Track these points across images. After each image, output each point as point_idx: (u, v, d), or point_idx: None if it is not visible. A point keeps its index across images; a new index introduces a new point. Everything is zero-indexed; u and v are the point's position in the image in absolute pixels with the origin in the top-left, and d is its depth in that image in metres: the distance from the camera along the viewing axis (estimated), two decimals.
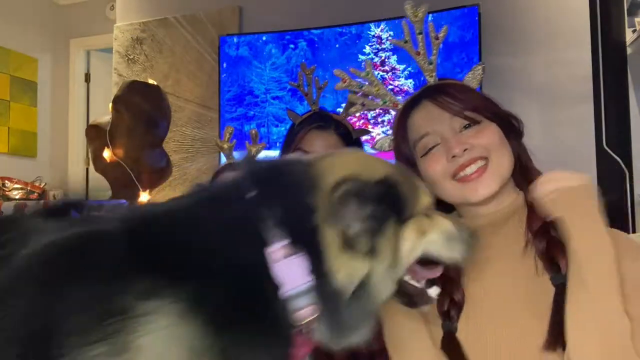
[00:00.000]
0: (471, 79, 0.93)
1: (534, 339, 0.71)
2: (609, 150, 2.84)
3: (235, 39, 3.80)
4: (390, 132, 0.97)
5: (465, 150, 0.81)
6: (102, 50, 4.91)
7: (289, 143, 1.30)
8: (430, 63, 0.92)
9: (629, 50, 2.82)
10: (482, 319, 0.76)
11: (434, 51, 0.93)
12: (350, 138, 1.31)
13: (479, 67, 0.93)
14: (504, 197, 0.85)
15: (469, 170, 0.81)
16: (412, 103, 0.89)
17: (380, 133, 3.29)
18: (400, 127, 0.90)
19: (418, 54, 0.91)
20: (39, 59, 4.74)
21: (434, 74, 0.92)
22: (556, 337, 0.69)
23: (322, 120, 1.31)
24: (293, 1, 3.78)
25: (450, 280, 0.78)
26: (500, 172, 0.82)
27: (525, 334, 0.72)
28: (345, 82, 1.01)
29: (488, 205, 0.85)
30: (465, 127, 0.84)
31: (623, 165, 2.81)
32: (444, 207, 0.85)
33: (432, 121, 0.85)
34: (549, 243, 0.76)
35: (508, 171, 0.83)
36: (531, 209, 0.80)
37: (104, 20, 4.64)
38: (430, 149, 0.85)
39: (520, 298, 0.75)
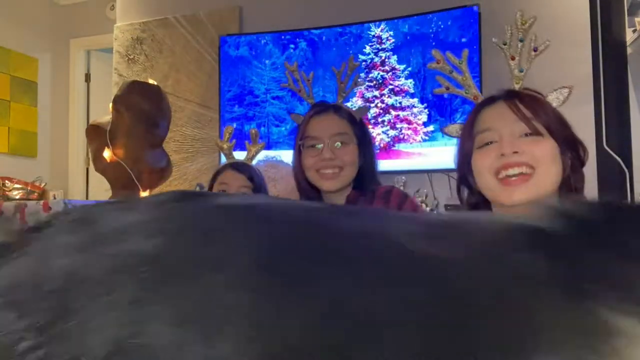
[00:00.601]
0: (553, 98, 0.96)
1: None
2: (609, 150, 2.84)
3: (235, 39, 3.80)
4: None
5: (515, 152, 0.85)
6: (102, 50, 4.91)
7: (298, 136, 1.36)
8: (521, 71, 0.96)
9: (629, 50, 2.83)
10: None
11: (528, 62, 0.97)
12: (354, 120, 1.33)
13: (566, 89, 0.96)
14: None
15: (511, 171, 0.84)
16: (490, 100, 0.93)
17: (380, 133, 3.29)
18: (471, 120, 0.93)
19: (513, 58, 0.95)
20: (39, 59, 4.74)
21: (522, 82, 0.96)
22: None
23: (319, 106, 1.36)
24: (293, 1, 3.78)
25: None
26: (541, 188, 0.84)
27: None
28: (439, 63, 1.09)
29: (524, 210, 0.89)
30: (526, 135, 0.87)
31: (623, 165, 2.81)
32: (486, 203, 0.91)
33: (498, 119, 0.88)
34: None
35: (549, 190, 0.85)
36: None
37: (104, 20, 4.65)
38: (487, 144, 0.89)
39: None
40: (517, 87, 0.95)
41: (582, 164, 0.91)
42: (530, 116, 0.87)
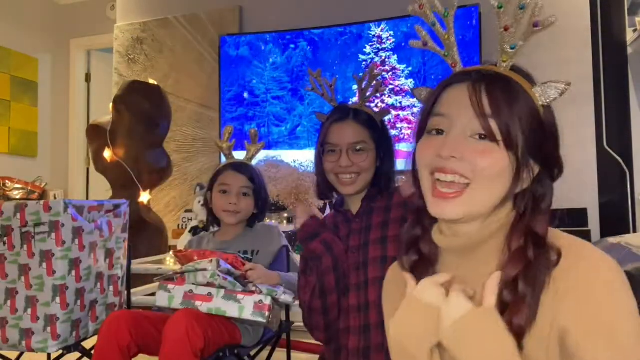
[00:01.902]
0: (542, 92, 0.74)
1: None
2: (610, 150, 2.84)
3: (235, 39, 3.80)
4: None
5: (452, 157, 0.71)
6: (102, 50, 4.92)
7: (319, 141, 1.39)
8: (513, 47, 0.74)
9: (629, 50, 2.83)
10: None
11: (525, 38, 0.75)
12: (374, 122, 1.37)
13: (563, 84, 0.74)
14: (483, 222, 0.75)
15: (443, 177, 0.72)
16: (459, 77, 0.75)
17: None
18: (435, 94, 0.78)
19: (506, 28, 0.74)
20: (40, 59, 4.75)
21: (510, 61, 0.75)
22: None
23: (340, 112, 1.38)
24: (293, 1, 3.78)
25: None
26: (475, 204, 0.71)
27: None
28: (421, 7, 0.92)
29: (462, 225, 0.76)
30: (479, 137, 0.71)
31: (624, 165, 2.81)
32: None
33: (455, 106, 0.73)
34: (512, 301, 0.68)
35: (484, 209, 0.72)
36: (511, 257, 0.71)
37: (104, 20, 4.65)
38: (437, 132, 0.74)
39: None
40: (503, 65, 0.75)
41: (552, 179, 0.76)
42: (489, 113, 0.70)
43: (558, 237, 0.72)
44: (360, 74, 1.47)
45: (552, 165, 0.75)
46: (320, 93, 1.51)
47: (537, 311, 0.67)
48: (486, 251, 0.74)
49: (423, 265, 0.79)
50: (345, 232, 1.35)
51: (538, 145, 0.72)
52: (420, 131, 0.79)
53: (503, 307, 0.68)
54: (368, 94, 1.44)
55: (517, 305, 0.67)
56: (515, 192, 0.73)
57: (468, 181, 0.71)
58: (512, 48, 0.75)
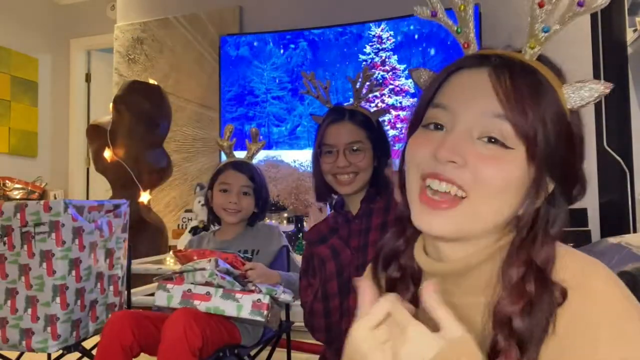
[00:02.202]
0: (570, 95, 0.58)
1: None
2: (610, 150, 2.84)
3: (235, 39, 3.81)
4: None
5: (451, 162, 0.56)
6: (102, 50, 4.91)
7: (316, 143, 1.40)
8: (545, 30, 0.58)
9: (629, 50, 2.83)
10: None
11: (563, 22, 0.59)
12: (370, 122, 1.38)
13: (600, 87, 0.58)
14: (474, 245, 0.60)
15: (437, 185, 0.57)
16: (472, 61, 0.60)
17: None
18: (438, 79, 0.62)
19: (541, 5, 0.57)
20: (40, 58, 4.75)
21: (538, 47, 0.59)
22: None
23: (336, 113, 1.40)
24: (293, 1, 3.78)
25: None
26: (469, 224, 0.57)
27: None
28: None
29: (451, 246, 0.61)
30: (489, 140, 0.56)
31: (624, 165, 2.81)
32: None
33: (463, 98, 0.58)
34: (505, 348, 0.54)
35: (480, 229, 0.58)
36: (510, 291, 0.56)
37: (104, 20, 4.65)
38: (435, 126, 0.59)
39: None
40: (530, 52, 0.59)
41: (569, 200, 0.61)
42: (511, 111, 0.55)
43: (563, 263, 0.57)
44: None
45: (572, 183, 0.60)
46: (315, 95, 1.52)
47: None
48: (476, 278, 0.60)
49: (404, 284, 0.65)
50: (345, 233, 1.35)
51: (560, 157, 0.57)
52: (415, 123, 0.63)
53: (493, 355, 0.55)
54: (362, 94, 1.45)
55: (511, 354, 0.54)
56: (530, 209, 0.58)
57: (465, 194, 0.56)
58: (544, 31, 0.59)
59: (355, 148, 1.33)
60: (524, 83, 0.56)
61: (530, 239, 0.58)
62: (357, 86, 1.47)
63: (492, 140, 0.56)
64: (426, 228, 0.59)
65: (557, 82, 0.59)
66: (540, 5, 0.59)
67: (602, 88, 0.59)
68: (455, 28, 0.66)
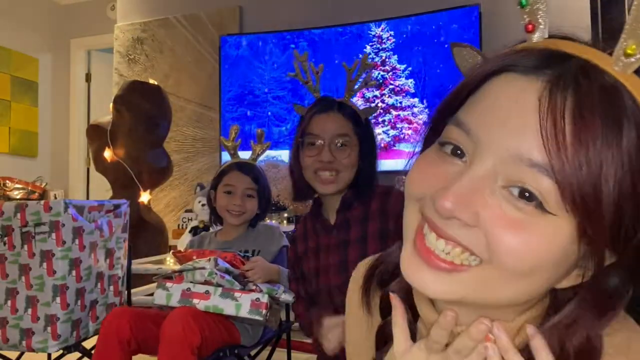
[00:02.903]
0: None
1: None
2: None
3: (235, 39, 3.81)
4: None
5: (456, 219, 0.39)
6: (102, 50, 4.92)
7: (299, 131, 1.30)
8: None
9: None
10: None
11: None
12: (358, 117, 1.29)
13: None
14: (497, 313, 0.44)
15: (439, 245, 0.41)
16: (525, 63, 0.40)
17: (380, 132, 3.29)
18: (473, 80, 0.43)
19: None
20: (40, 59, 4.75)
21: (637, 57, 0.38)
22: None
23: (324, 103, 1.30)
24: (293, 1, 3.78)
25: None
26: (480, 295, 0.41)
27: None
28: None
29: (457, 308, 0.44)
30: (523, 195, 0.38)
31: None
32: None
33: (494, 121, 0.39)
34: None
35: (494, 302, 0.42)
36: None
37: (104, 20, 4.65)
38: (454, 152, 0.42)
39: None
40: (624, 61, 0.38)
41: (633, 278, 0.41)
42: (559, 164, 0.36)
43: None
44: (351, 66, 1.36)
45: (617, 234, 0.39)
46: (304, 81, 1.40)
47: None
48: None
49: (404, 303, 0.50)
50: (325, 242, 1.29)
51: (633, 228, 0.38)
52: (430, 134, 0.47)
53: None
54: (355, 87, 1.35)
55: None
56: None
57: (478, 261, 0.40)
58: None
59: (341, 143, 1.23)
60: (596, 116, 0.36)
61: (567, 316, 0.41)
62: (352, 77, 1.35)
63: (526, 194, 0.38)
64: (418, 286, 0.42)
65: None
66: None
67: None
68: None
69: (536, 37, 0.43)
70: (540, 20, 0.42)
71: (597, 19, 2.83)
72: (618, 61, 0.39)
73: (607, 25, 2.81)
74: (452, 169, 0.41)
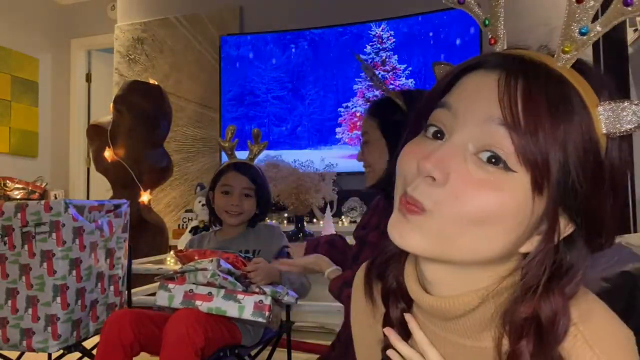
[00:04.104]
0: (606, 117, 0.47)
1: None
2: None
3: (236, 39, 3.81)
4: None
5: (430, 177, 0.47)
6: (103, 50, 4.92)
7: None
8: (584, 33, 0.49)
9: (630, 50, 2.82)
10: None
11: (603, 23, 0.50)
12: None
13: None
14: (468, 282, 0.51)
15: (414, 193, 0.48)
16: (491, 61, 0.49)
17: None
18: (448, 77, 0.53)
19: (580, 1, 0.49)
20: (40, 59, 4.75)
21: (573, 52, 0.48)
22: None
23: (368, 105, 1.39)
24: (293, 1, 3.78)
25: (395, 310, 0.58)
26: (443, 245, 0.48)
27: None
28: None
29: (440, 278, 0.53)
30: (490, 161, 0.46)
31: None
32: None
33: (471, 99, 0.48)
34: None
35: (457, 256, 0.48)
36: (514, 330, 0.48)
37: (104, 20, 4.65)
38: (435, 133, 0.51)
39: None
40: (564, 57, 0.48)
41: (592, 249, 0.49)
42: (520, 127, 0.45)
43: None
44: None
45: (596, 229, 0.48)
46: (374, 77, 1.37)
47: None
48: (470, 321, 0.52)
49: (395, 297, 0.58)
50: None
51: (583, 195, 0.46)
52: (415, 127, 0.54)
53: None
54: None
55: None
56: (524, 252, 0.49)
57: (427, 209, 0.47)
58: (582, 33, 0.48)
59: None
60: (543, 94, 0.45)
61: (537, 285, 0.47)
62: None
63: (492, 159, 0.46)
64: (398, 239, 0.49)
65: (593, 99, 0.47)
66: (579, 1, 0.49)
67: None
68: (483, 19, 0.56)
69: (498, 48, 0.54)
70: (500, 35, 0.54)
71: (597, 19, 2.82)
72: (559, 58, 0.49)
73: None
74: (433, 146, 0.49)
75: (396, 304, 0.57)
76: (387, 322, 0.58)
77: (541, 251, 0.48)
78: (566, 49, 0.48)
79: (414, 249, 0.49)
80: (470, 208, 0.45)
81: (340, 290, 1.24)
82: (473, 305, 0.50)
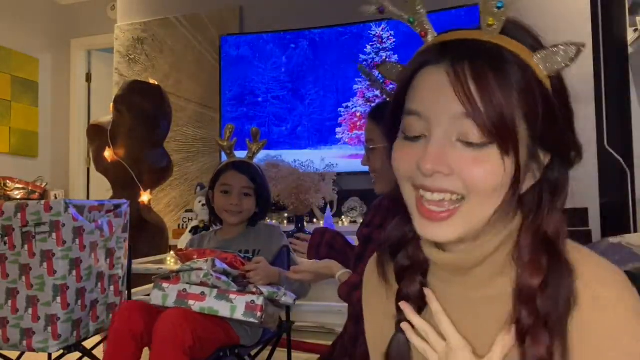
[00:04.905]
0: (546, 59, 0.54)
1: None
2: (611, 150, 2.83)
3: (236, 39, 3.81)
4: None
5: (437, 173, 0.54)
6: (103, 50, 4.92)
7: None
8: (499, 6, 0.54)
9: (630, 50, 2.82)
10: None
11: None
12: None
13: (573, 48, 0.54)
14: (480, 238, 0.59)
15: (431, 196, 0.56)
16: (436, 56, 0.56)
17: None
18: (404, 77, 0.59)
19: None
20: (40, 59, 4.75)
21: (496, 23, 0.55)
22: None
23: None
24: (293, 1, 3.78)
25: (411, 280, 0.65)
26: (471, 224, 0.56)
27: None
28: None
29: (454, 246, 0.60)
30: (470, 144, 0.54)
31: (624, 165, 2.81)
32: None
33: (435, 100, 0.55)
34: (533, 327, 0.54)
35: (483, 224, 0.56)
36: (523, 272, 0.57)
37: (105, 20, 4.65)
38: (413, 137, 0.57)
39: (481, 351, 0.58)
40: (490, 30, 0.55)
41: (569, 166, 0.59)
42: (480, 108, 0.52)
43: (577, 270, 0.56)
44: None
45: (566, 150, 0.58)
46: (373, 78, 1.41)
47: (566, 341, 0.54)
48: (488, 269, 0.59)
49: (411, 274, 0.65)
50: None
51: (547, 129, 0.55)
52: (393, 129, 0.61)
53: (521, 338, 0.55)
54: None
55: (538, 334, 0.54)
56: (522, 191, 0.57)
57: (461, 195, 0.55)
58: (499, 7, 0.54)
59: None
60: (487, 69, 0.53)
61: (538, 210, 0.58)
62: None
63: (470, 143, 0.54)
64: (432, 238, 0.58)
65: (527, 53, 0.55)
66: None
67: (574, 49, 0.55)
68: (407, 17, 0.62)
69: (429, 37, 0.60)
70: (426, 27, 0.61)
71: (598, 19, 2.83)
72: (487, 30, 0.55)
73: (607, 24, 2.81)
74: (419, 147, 0.57)
75: (414, 278, 0.64)
76: (400, 298, 0.64)
77: (533, 185, 0.58)
78: (490, 23, 0.55)
79: (449, 240, 0.57)
80: (479, 182, 0.54)
81: (349, 294, 1.25)
82: (489, 252, 0.58)
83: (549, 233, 0.57)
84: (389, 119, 0.62)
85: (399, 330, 0.63)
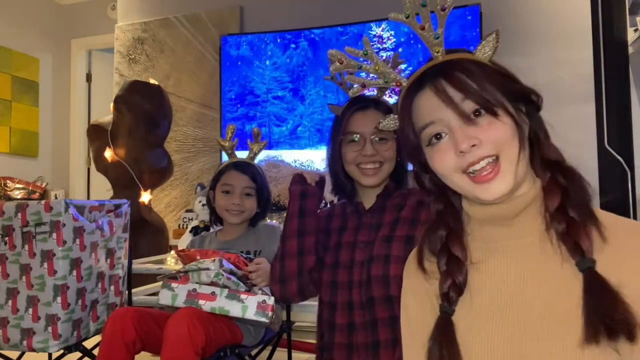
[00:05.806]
0: (482, 52, 0.79)
1: (560, 335, 0.67)
2: (611, 150, 2.83)
3: (236, 39, 3.81)
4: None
5: (473, 146, 0.73)
6: (103, 50, 4.92)
7: (338, 130, 1.36)
8: (437, 37, 0.79)
9: (630, 50, 2.82)
10: (483, 311, 0.74)
11: (441, 23, 0.80)
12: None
13: (492, 34, 0.79)
14: (518, 190, 0.76)
15: (478, 166, 0.73)
16: (416, 86, 0.79)
17: None
18: (404, 110, 0.80)
19: (422, 28, 0.80)
20: (41, 59, 4.75)
21: (440, 49, 0.79)
22: (595, 326, 0.64)
23: (360, 101, 1.36)
24: (294, 1, 3.78)
25: (455, 260, 0.77)
26: (512, 168, 0.74)
27: (550, 331, 0.68)
28: (342, 62, 0.96)
29: (500, 201, 0.77)
30: (475, 114, 0.73)
31: (625, 165, 2.81)
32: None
33: (435, 109, 0.75)
34: (568, 224, 0.71)
35: (517, 162, 0.74)
36: (547, 190, 0.76)
37: (105, 20, 4.65)
38: (437, 138, 0.76)
39: (539, 291, 0.71)
40: (438, 57, 0.79)
41: (538, 108, 0.80)
42: (463, 96, 0.74)
43: (610, 222, 0.74)
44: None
45: (525, 96, 0.78)
46: (339, 83, 1.46)
47: (599, 222, 0.72)
48: (525, 218, 0.76)
49: (453, 238, 0.80)
50: (353, 225, 1.34)
51: (509, 89, 0.76)
52: (415, 151, 0.80)
53: (570, 243, 0.71)
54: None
55: (576, 226, 0.71)
56: (524, 133, 0.76)
57: (497, 156, 0.73)
58: (436, 38, 0.80)
59: (381, 137, 1.31)
60: (454, 75, 0.75)
61: (538, 143, 0.78)
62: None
63: (476, 113, 0.74)
64: (489, 197, 0.74)
65: (469, 54, 0.80)
66: (422, 29, 0.80)
67: (492, 36, 0.79)
68: (382, 81, 0.87)
69: (404, 83, 0.84)
70: (398, 79, 0.86)
71: (597, 19, 2.83)
72: (436, 58, 0.80)
73: (607, 24, 2.81)
74: (448, 142, 0.76)
75: (457, 244, 0.78)
76: (443, 285, 0.77)
77: (533, 130, 0.78)
78: (437, 50, 0.81)
79: (505, 192, 0.73)
80: (499, 136, 0.73)
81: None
82: (526, 204, 0.75)
83: (552, 158, 0.77)
84: (408, 140, 0.81)
85: (446, 306, 0.76)
